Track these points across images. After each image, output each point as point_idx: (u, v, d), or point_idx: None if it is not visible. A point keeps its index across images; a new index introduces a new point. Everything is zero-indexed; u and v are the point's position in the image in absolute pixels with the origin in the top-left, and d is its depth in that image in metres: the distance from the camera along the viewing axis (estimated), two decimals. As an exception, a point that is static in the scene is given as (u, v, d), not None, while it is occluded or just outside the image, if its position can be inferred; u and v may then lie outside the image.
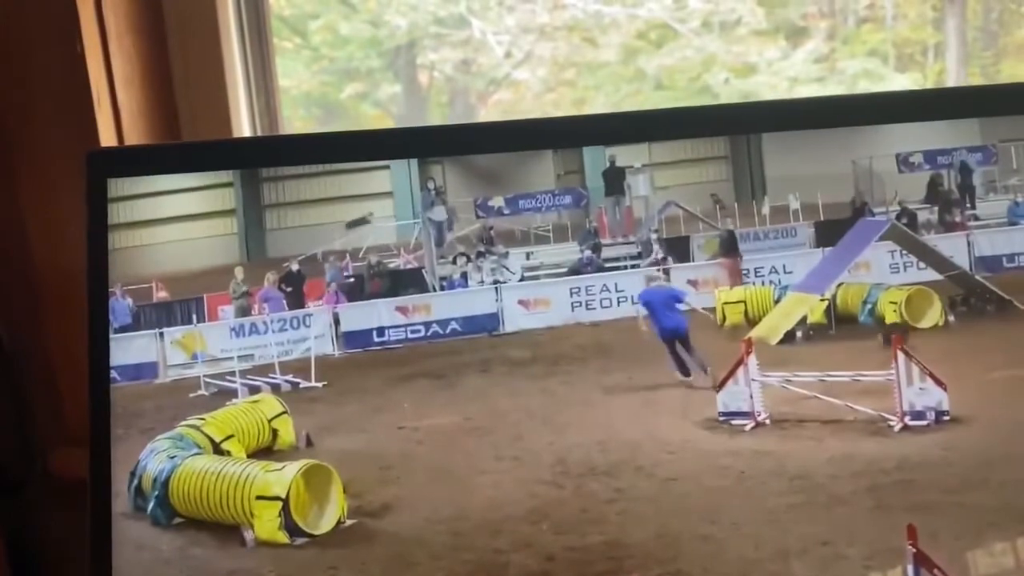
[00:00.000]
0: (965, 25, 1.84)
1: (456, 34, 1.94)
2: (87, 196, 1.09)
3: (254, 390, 1.16)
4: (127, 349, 1.16)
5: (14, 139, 1.52)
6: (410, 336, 1.19)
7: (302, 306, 1.16)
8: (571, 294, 1.20)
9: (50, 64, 1.50)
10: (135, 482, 1.13)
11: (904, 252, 1.21)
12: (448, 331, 1.18)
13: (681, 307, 1.19)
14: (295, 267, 1.15)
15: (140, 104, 1.58)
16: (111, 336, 1.07)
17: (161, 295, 1.17)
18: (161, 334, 1.17)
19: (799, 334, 1.21)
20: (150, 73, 1.60)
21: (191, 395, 1.17)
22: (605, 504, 1.10)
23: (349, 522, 1.12)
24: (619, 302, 1.19)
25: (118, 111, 1.53)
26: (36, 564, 1.59)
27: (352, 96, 1.96)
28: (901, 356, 1.14)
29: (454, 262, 1.20)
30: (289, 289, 1.15)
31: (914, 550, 1.00)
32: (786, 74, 1.87)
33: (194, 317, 1.18)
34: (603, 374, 1.16)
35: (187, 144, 1.46)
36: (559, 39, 1.94)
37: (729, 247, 1.18)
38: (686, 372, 1.19)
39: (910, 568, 1.00)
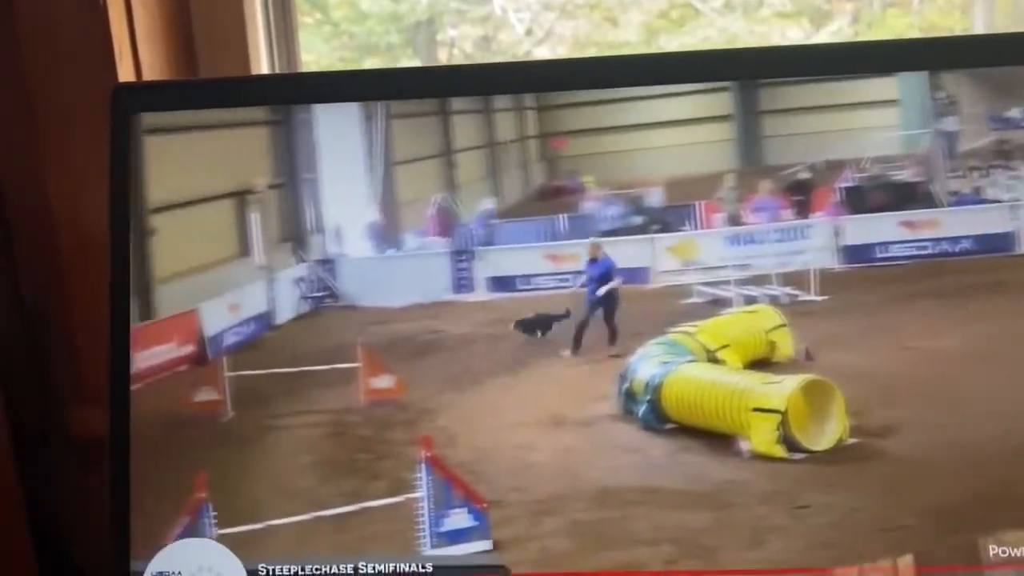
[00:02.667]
0: (994, 11, 1.68)
1: (476, 11, 1.92)
2: (111, 132, 1.13)
3: (750, 300, 1.16)
4: (620, 254, 1.19)
5: (37, 95, 1.55)
6: (916, 253, 1.16)
7: (807, 216, 1.15)
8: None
9: (72, 19, 1.51)
10: (625, 385, 1.16)
11: None
12: (958, 249, 1.14)
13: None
14: (804, 175, 1.14)
15: (162, 61, 1.60)
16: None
17: (655, 200, 1.19)
18: (652, 240, 1.19)
19: None
20: (172, 30, 1.61)
21: (683, 302, 1.18)
22: None
23: (851, 441, 1.10)
24: None
25: (139, 67, 1.55)
26: (55, 520, 1.64)
27: (371, 72, 1.95)
28: None
29: (965, 176, 1.16)
30: (797, 198, 1.14)
31: None
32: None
33: (688, 224, 1.19)
34: None
35: (213, 80, 1.50)
36: (580, 17, 1.90)
37: None
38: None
39: None
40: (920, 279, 1.17)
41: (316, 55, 1.94)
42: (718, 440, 1.14)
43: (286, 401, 1.20)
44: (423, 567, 1.11)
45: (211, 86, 1.29)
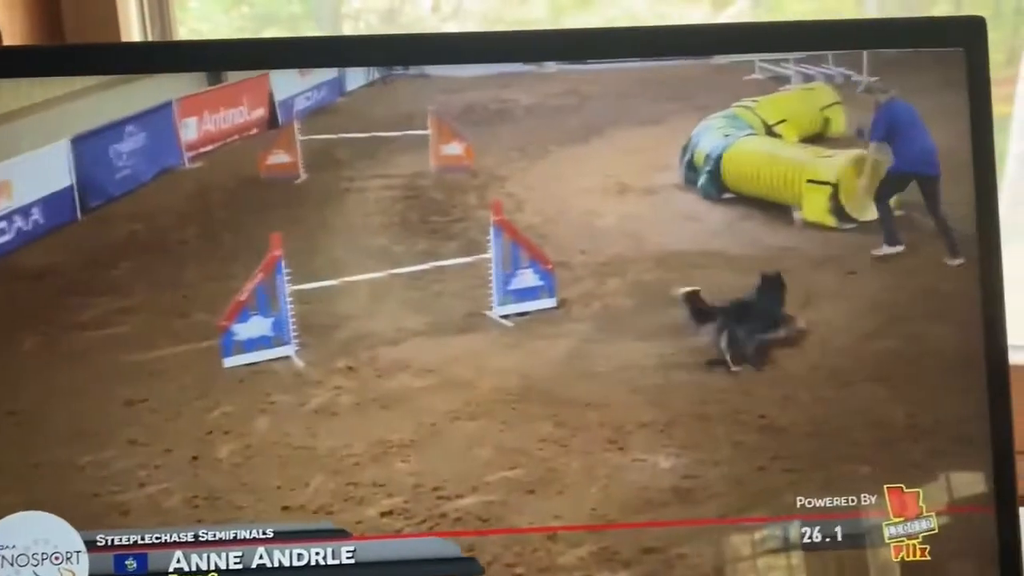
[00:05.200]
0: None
1: (383, -18, 1.94)
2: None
3: (808, 79, 1.25)
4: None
5: None
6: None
7: None
8: None
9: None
10: (687, 156, 1.25)
11: None
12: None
13: None
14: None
15: (25, 31, 1.60)
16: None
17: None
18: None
19: None
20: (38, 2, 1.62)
21: (745, 77, 1.26)
22: None
23: (898, 213, 1.22)
24: None
25: None
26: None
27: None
28: None
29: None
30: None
31: None
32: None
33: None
34: None
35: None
36: (489, -5, 1.92)
37: None
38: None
39: None
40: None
41: (213, 24, 1.93)
42: (773, 209, 1.25)
43: (358, 165, 1.27)
44: (263, 532, 1.16)
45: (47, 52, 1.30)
